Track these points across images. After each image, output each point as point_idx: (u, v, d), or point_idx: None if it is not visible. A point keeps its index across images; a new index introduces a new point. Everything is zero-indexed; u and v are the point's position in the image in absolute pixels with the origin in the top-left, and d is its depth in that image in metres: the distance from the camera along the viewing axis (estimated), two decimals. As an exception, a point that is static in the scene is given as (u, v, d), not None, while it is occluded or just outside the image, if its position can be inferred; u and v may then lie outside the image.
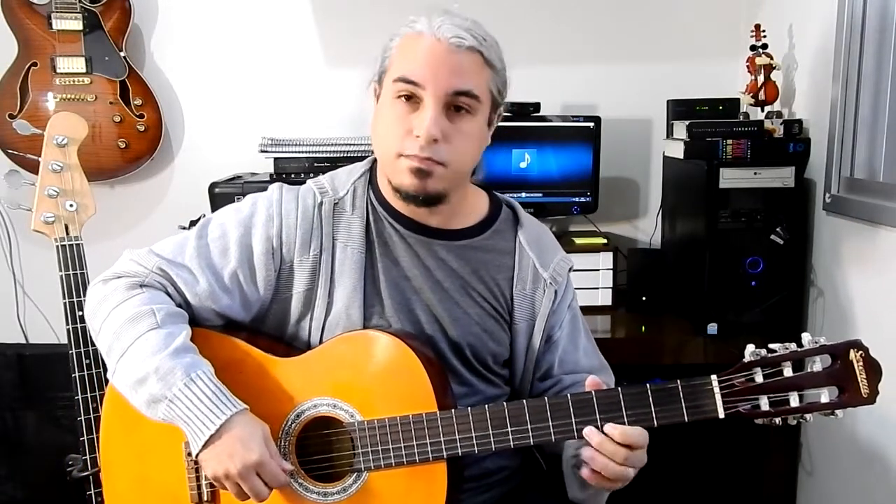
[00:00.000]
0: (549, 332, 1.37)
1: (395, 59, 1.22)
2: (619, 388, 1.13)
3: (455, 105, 1.20)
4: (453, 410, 1.17)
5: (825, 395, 1.09)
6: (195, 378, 1.13)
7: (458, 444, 1.16)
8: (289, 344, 1.30)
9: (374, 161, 1.35)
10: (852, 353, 1.08)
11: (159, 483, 1.26)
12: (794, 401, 1.09)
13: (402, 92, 1.20)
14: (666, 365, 2.10)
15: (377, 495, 1.19)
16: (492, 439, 1.15)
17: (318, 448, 1.23)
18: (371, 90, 1.30)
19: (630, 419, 1.12)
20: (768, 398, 1.09)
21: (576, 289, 1.45)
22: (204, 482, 1.24)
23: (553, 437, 1.14)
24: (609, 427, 1.11)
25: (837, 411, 1.09)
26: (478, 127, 1.24)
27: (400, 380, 1.19)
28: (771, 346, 1.10)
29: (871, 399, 1.08)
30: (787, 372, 1.09)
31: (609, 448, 1.10)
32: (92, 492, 1.82)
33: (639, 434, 1.11)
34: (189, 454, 1.23)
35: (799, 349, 1.09)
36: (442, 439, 1.16)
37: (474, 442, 1.15)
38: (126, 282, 1.23)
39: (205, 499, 1.24)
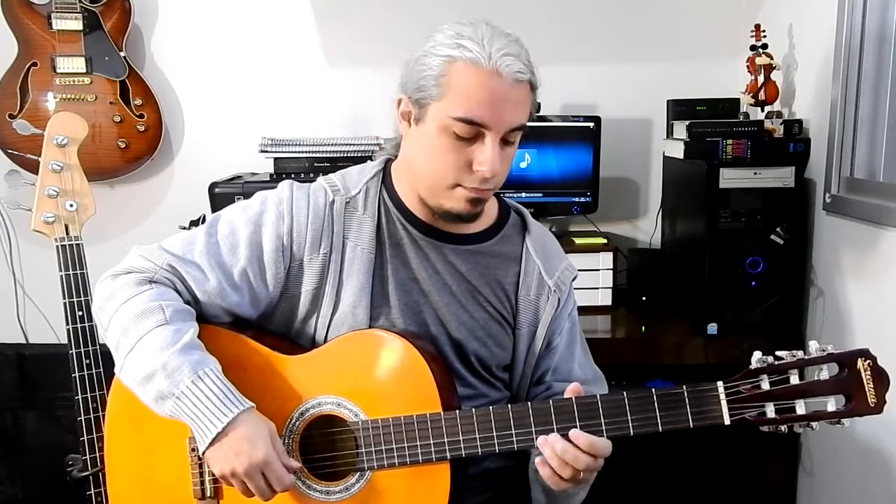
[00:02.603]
0: (550, 338, 1.37)
1: (450, 90, 1.16)
2: (625, 393, 1.13)
3: (508, 138, 1.20)
4: (457, 411, 1.17)
5: (832, 404, 1.09)
6: (202, 376, 1.13)
7: (462, 445, 1.16)
8: (294, 341, 1.30)
9: (387, 161, 1.35)
10: (860, 362, 1.08)
11: (163, 478, 1.27)
12: (800, 408, 1.09)
13: (461, 133, 1.17)
14: (666, 365, 2.11)
15: (380, 495, 1.19)
16: (495, 441, 1.15)
17: (322, 446, 1.23)
18: (400, 106, 1.25)
19: (634, 424, 1.12)
20: (774, 405, 1.09)
21: (576, 289, 1.45)
22: (208, 478, 1.24)
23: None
24: (574, 433, 1.12)
25: (844, 420, 1.09)
26: (516, 147, 1.26)
27: (405, 379, 1.19)
28: (778, 353, 1.10)
29: (879, 408, 1.08)
30: (794, 379, 1.09)
31: (571, 454, 1.11)
32: (92, 492, 1.81)
33: (604, 445, 1.12)
34: (193, 450, 1.24)
35: (806, 357, 1.09)
36: (446, 440, 1.16)
37: (478, 443, 1.16)
38: (135, 277, 1.23)
39: (208, 495, 1.25)
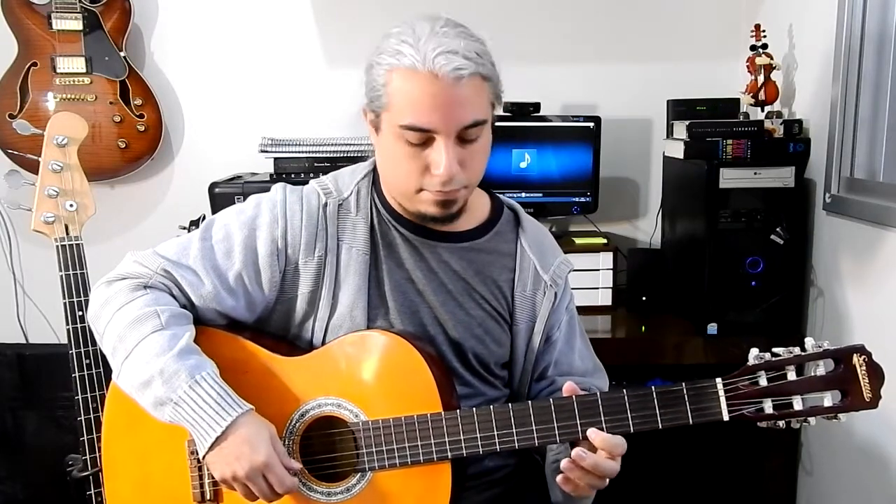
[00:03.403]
0: (549, 333, 1.37)
1: (392, 100, 1.15)
2: (625, 391, 1.13)
3: (465, 136, 1.18)
4: (458, 411, 1.17)
5: (828, 399, 1.10)
6: (199, 380, 1.13)
7: (463, 444, 1.16)
8: (292, 343, 1.30)
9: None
10: (855, 358, 1.09)
11: (162, 481, 1.26)
12: (797, 404, 1.09)
13: (412, 140, 1.16)
14: (666, 365, 2.11)
15: (381, 495, 1.19)
16: (496, 440, 1.15)
17: (323, 448, 1.23)
18: (365, 116, 1.25)
19: (635, 422, 1.12)
20: (772, 401, 1.10)
21: (576, 289, 1.46)
22: (207, 480, 1.24)
23: (558, 439, 1.15)
24: (591, 432, 1.12)
25: (840, 415, 1.09)
26: (486, 140, 1.23)
27: (405, 380, 1.19)
28: (775, 349, 1.11)
29: (874, 403, 1.09)
30: (791, 376, 1.10)
31: (590, 461, 1.11)
32: (92, 492, 1.82)
33: (619, 443, 1.13)
34: (192, 452, 1.23)
35: (803, 353, 1.10)
36: (447, 440, 1.16)
37: (479, 443, 1.15)
38: (130, 283, 1.22)
39: (208, 497, 1.24)
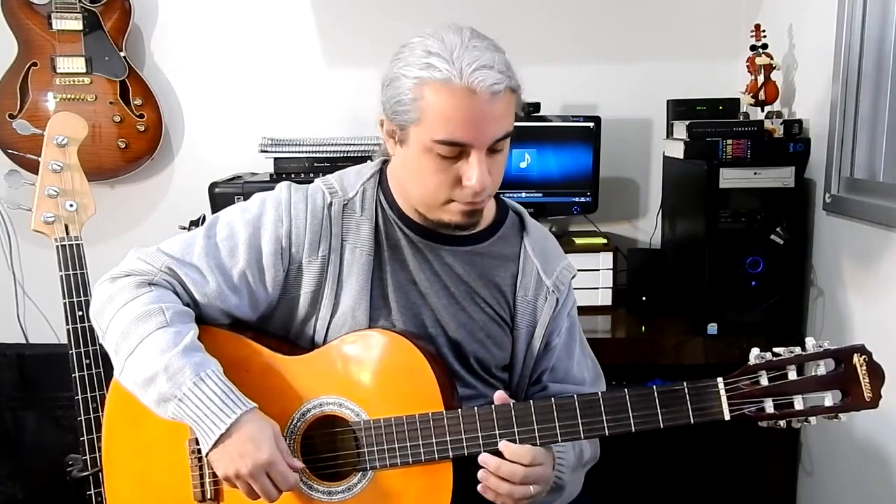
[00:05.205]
0: (548, 339, 1.37)
1: (425, 114, 1.14)
2: (626, 390, 1.13)
3: (494, 147, 1.18)
4: (459, 410, 1.17)
5: (829, 399, 1.10)
6: (204, 377, 1.13)
7: (465, 443, 1.16)
8: (294, 343, 1.30)
9: (384, 162, 1.35)
10: (856, 358, 1.09)
11: (162, 480, 1.26)
12: (798, 404, 1.10)
13: (445, 153, 1.15)
14: (666, 365, 2.11)
15: (382, 494, 1.19)
16: (498, 439, 1.15)
17: (324, 447, 1.23)
18: (384, 128, 1.24)
19: (636, 421, 1.12)
20: (773, 401, 1.10)
21: (576, 289, 1.45)
22: (208, 479, 1.24)
23: (560, 438, 1.15)
24: (502, 445, 1.14)
25: (841, 415, 1.09)
26: (507, 150, 1.23)
27: (406, 379, 1.20)
28: (776, 349, 1.11)
29: (875, 403, 1.09)
30: (792, 375, 1.10)
31: (506, 469, 1.13)
32: (92, 492, 1.82)
33: (528, 452, 1.13)
34: (194, 451, 1.24)
35: (804, 353, 1.10)
36: (448, 439, 1.16)
37: (480, 442, 1.16)
38: (134, 280, 1.22)
39: (208, 496, 1.24)
